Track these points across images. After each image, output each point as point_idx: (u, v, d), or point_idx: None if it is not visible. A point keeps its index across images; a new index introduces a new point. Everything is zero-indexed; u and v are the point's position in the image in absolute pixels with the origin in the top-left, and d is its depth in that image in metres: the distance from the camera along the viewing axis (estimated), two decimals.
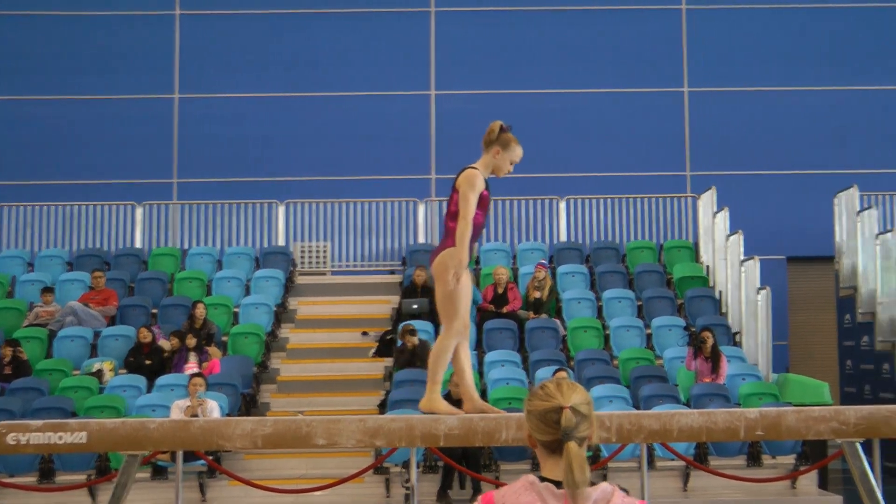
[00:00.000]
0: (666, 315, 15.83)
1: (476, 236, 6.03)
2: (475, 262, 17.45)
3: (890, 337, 15.80)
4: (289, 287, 17.35)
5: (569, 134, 20.40)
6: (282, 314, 16.70)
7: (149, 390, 13.80)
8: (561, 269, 17.10)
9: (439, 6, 20.97)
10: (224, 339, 15.55)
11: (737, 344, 15.48)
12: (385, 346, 15.57)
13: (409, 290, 16.27)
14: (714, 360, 13.94)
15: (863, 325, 16.67)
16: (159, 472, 12.63)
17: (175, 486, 11.70)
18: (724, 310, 16.30)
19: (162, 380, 13.86)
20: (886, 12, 20.93)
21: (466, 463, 12.35)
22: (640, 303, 16.33)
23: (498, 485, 11.67)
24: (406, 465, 12.14)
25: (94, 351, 15.15)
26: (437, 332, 5.57)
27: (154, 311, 16.16)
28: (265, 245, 18.45)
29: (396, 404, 13.10)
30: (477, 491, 12.34)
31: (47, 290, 16.05)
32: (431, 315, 15.10)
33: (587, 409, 3.23)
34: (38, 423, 5.84)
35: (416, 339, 14.43)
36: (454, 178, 5.99)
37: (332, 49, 20.81)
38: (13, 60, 20.64)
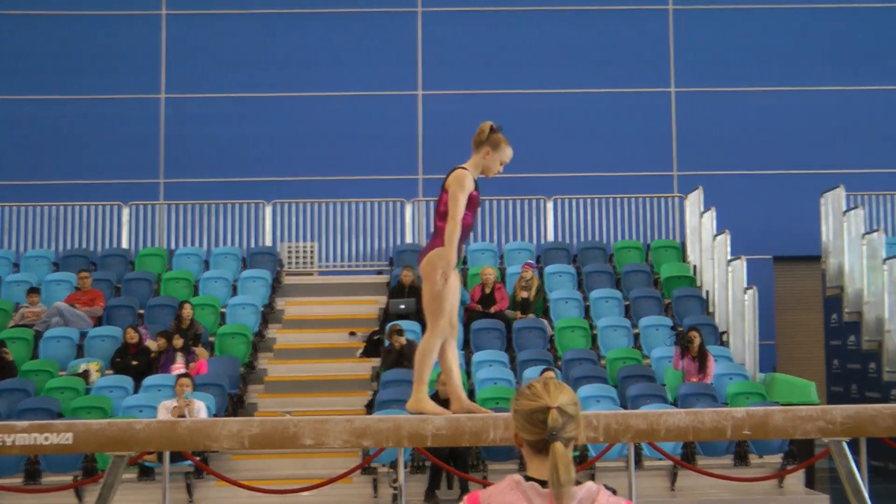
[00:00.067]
0: (653, 315, 15.85)
1: (465, 237, 6.03)
2: (463, 263, 17.45)
3: (876, 336, 15.84)
4: (276, 287, 17.33)
5: (556, 134, 20.42)
6: (269, 314, 16.68)
7: (135, 391, 13.76)
8: (548, 269, 17.11)
9: (426, 6, 20.96)
10: (211, 339, 15.52)
11: (724, 343, 15.50)
12: (372, 347, 15.56)
13: (397, 290, 16.26)
14: (701, 359, 13.96)
15: (849, 324, 16.72)
16: (146, 473, 12.60)
17: (162, 487, 11.67)
18: (711, 309, 16.32)
19: (149, 380, 13.82)
20: (875, 12, 20.99)
21: (454, 463, 12.34)
22: (627, 303, 16.35)
23: (485, 484, 11.67)
24: (394, 465, 12.14)
25: (80, 352, 15.10)
26: (424, 333, 5.56)
27: (141, 311, 16.12)
28: (252, 245, 18.42)
29: (384, 404, 13.09)
30: (465, 491, 12.34)
31: (33, 290, 15.99)
32: (419, 315, 15.09)
33: (574, 410, 3.23)
34: (24, 424, 5.82)
35: (403, 340, 14.42)
36: (443, 178, 5.99)
37: (319, 49, 20.78)
38: None
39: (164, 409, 12.47)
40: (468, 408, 6.06)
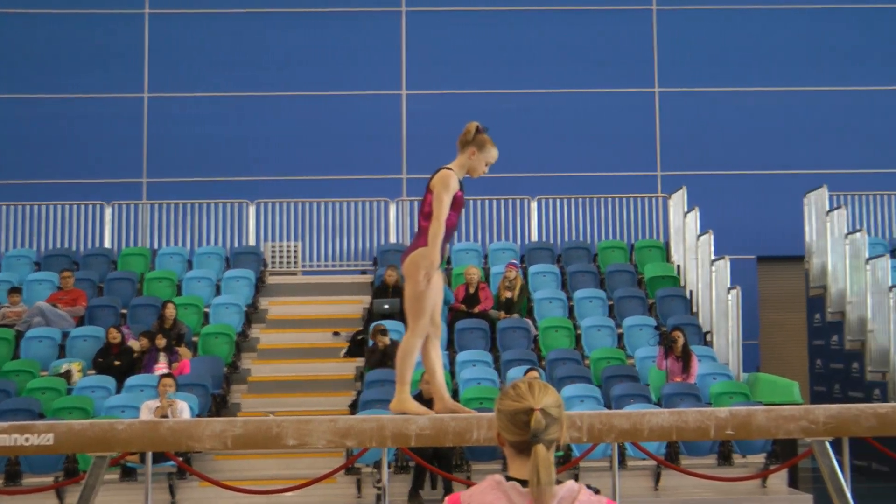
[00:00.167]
0: (637, 315, 15.86)
1: (449, 237, 6.03)
2: (447, 262, 17.42)
3: (859, 336, 15.89)
4: (259, 287, 17.29)
5: (540, 134, 20.43)
6: (252, 314, 16.64)
7: (118, 391, 13.71)
8: (532, 268, 17.10)
9: (410, 6, 20.95)
10: (194, 339, 15.46)
11: (707, 343, 15.53)
12: (356, 347, 15.53)
13: (381, 290, 16.24)
14: (685, 359, 13.98)
15: (832, 324, 16.77)
16: (128, 474, 12.55)
17: (145, 488, 11.61)
18: (694, 309, 16.35)
19: (131, 380, 13.77)
20: (858, 13, 21.06)
21: (438, 463, 12.33)
22: (611, 302, 16.36)
23: (469, 485, 11.66)
24: (377, 465, 12.12)
25: (62, 352, 15.03)
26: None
27: (124, 311, 16.05)
28: (236, 245, 18.38)
29: (368, 404, 13.07)
30: (448, 491, 12.32)
31: (14, 290, 15.91)
32: (403, 315, 15.05)
33: (557, 412, 3.22)
34: (4, 424, 5.79)
35: (387, 339, 14.40)
36: (428, 178, 5.99)
37: (303, 48, 20.75)
38: None
39: (147, 410, 12.42)
40: (452, 408, 6.06)
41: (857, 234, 16.07)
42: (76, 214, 18.46)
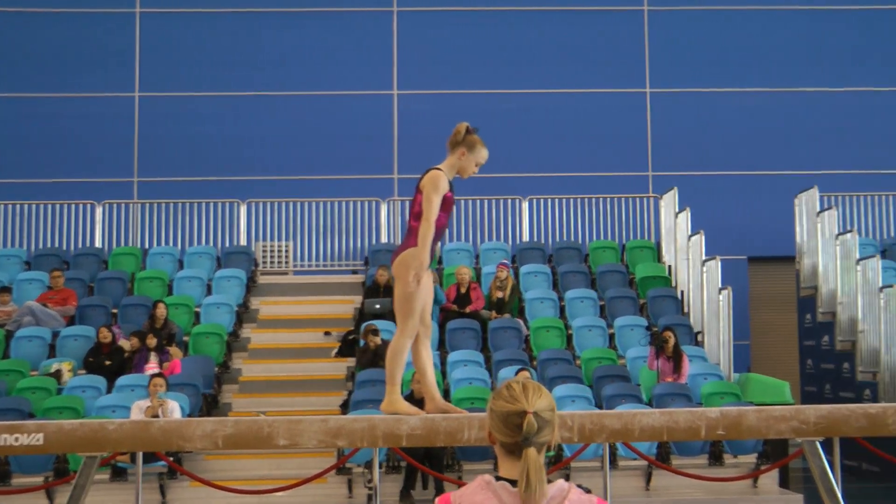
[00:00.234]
0: (628, 315, 15.87)
1: (439, 237, 6.05)
2: (438, 262, 17.44)
3: (850, 336, 15.92)
4: (251, 287, 17.26)
5: (531, 134, 20.44)
6: (243, 314, 16.62)
7: (108, 391, 13.68)
8: (523, 268, 17.11)
9: (402, 6, 20.94)
10: (185, 339, 15.44)
11: (699, 343, 15.54)
12: (347, 347, 15.52)
13: (372, 289, 16.23)
14: (676, 359, 13.99)
15: (823, 324, 16.79)
16: (119, 474, 12.52)
17: (135, 488, 11.56)
18: (685, 310, 16.36)
19: (122, 380, 13.74)
20: (849, 14, 21.09)
21: (429, 463, 12.33)
22: (602, 303, 16.37)
23: (460, 485, 11.66)
24: (369, 465, 12.10)
25: (52, 351, 15.00)
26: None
27: (114, 311, 16.03)
28: (227, 245, 18.35)
29: (359, 404, 13.06)
30: (440, 491, 12.32)
31: (4, 289, 15.88)
32: (394, 315, 15.05)
33: (550, 416, 3.22)
34: None
35: (378, 339, 14.39)
36: (419, 178, 6.00)
37: (294, 48, 20.73)
38: None
39: (138, 410, 12.40)
40: (443, 408, 6.06)
41: (848, 235, 16.09)
42: (67, 214, 18.42)
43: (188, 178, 19.93)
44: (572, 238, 18.52)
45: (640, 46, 20.97)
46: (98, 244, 18.14)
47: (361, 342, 14.79)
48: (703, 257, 15.85)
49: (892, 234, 18.43)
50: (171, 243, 18.32)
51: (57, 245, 18.15)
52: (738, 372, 15.33)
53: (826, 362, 16.76)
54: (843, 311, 16.16)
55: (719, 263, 15.43)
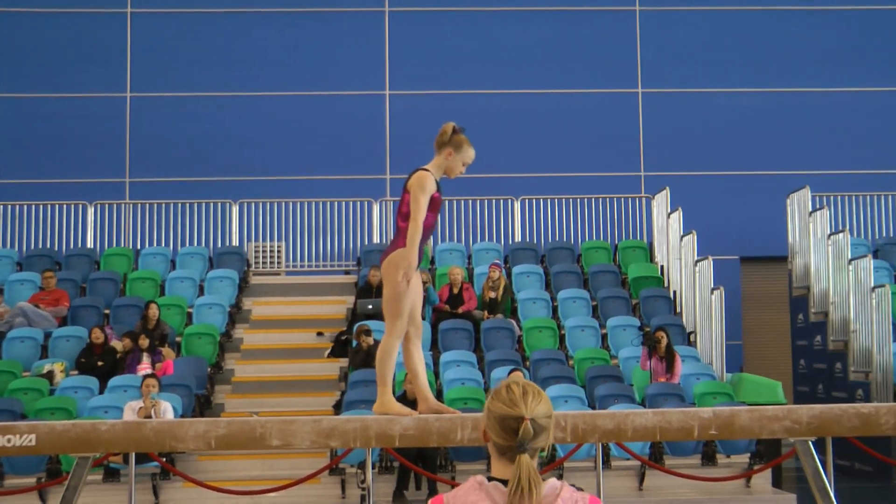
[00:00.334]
0: (621, 315, 15.88)
1: (427, 237, 6.07)
2: (430, 263, 17.45)
3: (842, 336, 15.94)
4: (243, 287, 17.25)
5: (524, 134, 20.45)
6: (236, 314, 16.60)
7: (101, 392, 13.65)
8: (516, 269, 17.11)
9: (393, 6, 20.93)
10: (178, 339, 15.43)
11: (691, 344, 15.55)
12: (340, 347, 15.51)
13: (364, 290, 16.22)
14: (668, 359, 14.00)
15: (815, 324, 16.82)
16: (112, 475, 12.50)
17: (128, 489, 11.57)
18: (678, 310, 16.37)
19: (114, 381, 13.71)
20: (839, 15, 21.12)
21: (422, 463, 12.32)
22: (594, 303, 16.37)
23: (453, 485, 11.66)
24: (362, 465, 12.10)
25: (44, 352, 14.97)
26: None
27: (106, 311, 16.00)
28: (219, 245, 18.32)
29: (352, 405, 13.05)
30: (433, 492, 12.32)
31: None
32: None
33: (547, 422, 3.20)
34: None
35: (371, 340, 14.38)
36: (406, 178, 6.02)
37: (286, 48, 20.72)
38: None
39: (130, 410, 12.38)
40: (435, 408, 6.06)
41: (840, 235, 16.11)
42: (58, 214, 18.38)
43: (180, 179, 19.92)
44: (565, 238, 18.52)
45: (633, 47, 20.99)
46: (90, 245, 18.11)
47: (354, 342, 14.78)
48: (696, 257, 15.86)
49: (884, 233, 18.46)
50: (163, 244, 18.29)
51: (49, 246, 18.11)
52: (731, 372, 15.34)
53: (818, 362, 16.78)
54: (835, 311, 16.18)
55: (712, 263, 15.45)
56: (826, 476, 6.21)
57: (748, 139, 20.59)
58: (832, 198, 18.15)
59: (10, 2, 20.53)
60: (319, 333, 16.20)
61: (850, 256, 15.81)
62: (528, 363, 14.67)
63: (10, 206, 18.36)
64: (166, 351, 14.59)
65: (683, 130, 20.57)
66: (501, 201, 18.70)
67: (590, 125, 20.57)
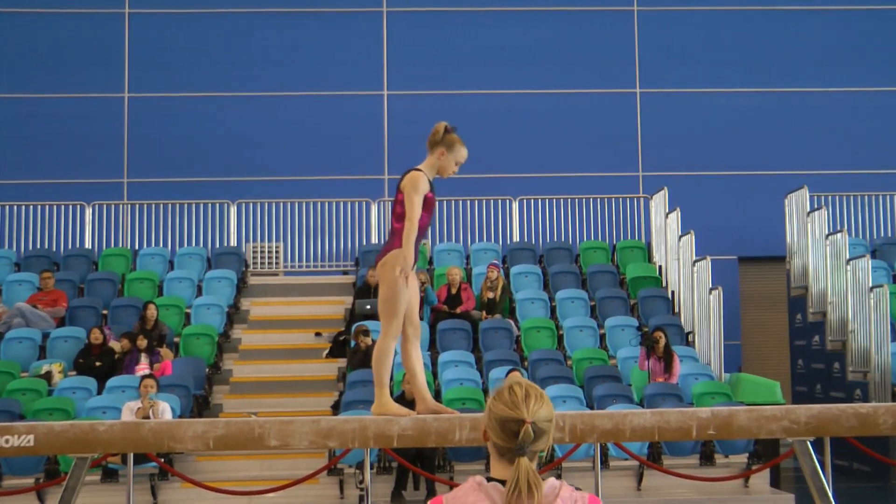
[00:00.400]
0: (619, 315, 15.87)
1: (420, 237, 6.07)
2: (428, 263, 17.45)
3: (840, 336, 15.94)
4: (241, 288, 17.24)
5: (522, 134, 20.44)
6: (234, 315, 16.59)
7: (99, 392, 13.65)
8: (514, 269, 17.11)
9: (391, 6, 20.93)
10: (176, 340, 15.42)
11: (689, 344, 15.55)
12: (338, 347, 15.51)
13: (363, 290, 16.21)
14: (667, 359, 14.00)
15: (814, 324, 16.82)
16: (110, 475, 12.49)
17: (126, 489, 11.54)
18: (676, 310, 16.37)
19: (113, 381, 13.71)
20: (837, 14, 21.12)
21: (421, 464, 12.32)
22: (593, 303, 16.37)
23: (451, 485, 11.66)
24: (360, 466, 12.10)
25: (42, 353, 14.96)
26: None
27: (104, 312, 15.99)
28: (217, 245, 18.31)
29: (350, 405, 13.05)
30: (431, 492, 12.33)
31: None
32: None
33: (548, 426, 3.19)
34: None
35: (369, 340, 14.37)
36: (399, 178, 6.04)
37: (284, 48, 20.71)
38: None
39: (129, 411, 12.38)
40: (433, 408, 6.06)
41: (838, 235, 16.12)
42: (56, 215, 18.37)
43: (178, 179, 19.90)
44: (563, 238, 18.52)
45: (630, 47, 20.99)
46: (88, 245, 18.10)
47: (352, 343, 14.79)
48: (694, 257, 15.86)
49: (883, 233, 18.47)
50: (161, 244, 18.28)
51: (47, 246, 18.10)
52: (729, 372, 15.34)
53: (816, 362, 16.79)
54: (833, 311, 16.19)
55: (710, 263, 15.45)
56: (824, 476, 6.21)
57: (746, 139, 20.59)
58: (830, 198, 18.16)
59: (8, 2, 20.52)
60: (318, 334, 16.20)
61: (848, 256, 15.82)
62: (526, 363, 14.67)
63: (7, 207, 18.35)
64: (164, 351, 14.58)
65: (681, 130, 20.57)
66: (499, 201, 18.70)
67: (588, 125, 20.57)
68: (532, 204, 18.68)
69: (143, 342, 14.27)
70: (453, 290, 15.99)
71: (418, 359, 6.17)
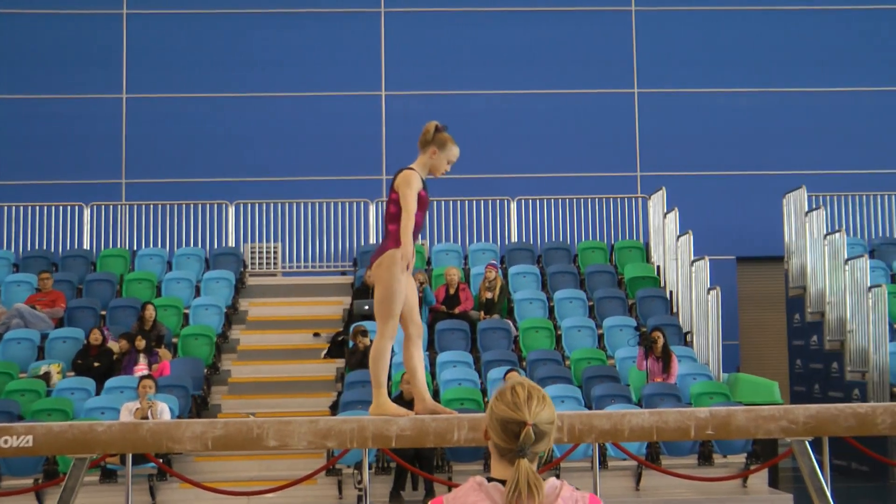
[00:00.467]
0: (617, 315, 15.88)
1: (415, 236, 6.06)
2: (427, 263, 17.45)
3: (838, 336, 15.95)
4: (239, 288, 17.24)
5: (520, 135, 20.45)
6: (232, 315, 16.60)
7: (98, 393, 13.65)
8: (512, 269, 17.11)
9: (389, 7, 20.93)
10: (174, 340, 15.42)
11: (688, 344, 15.56)
12: (337, 348, 15.51)
13: (361, 290, 16.21)
14: (665, 359, 14.00)
15: (812, 324, 16.82)
16: (108, 476, 12.49)
17: (125, 490, 11.53)
18: (674, 310, 16.38)
19: (111, 382, 13.71)
20: (835, 14, 21.14)
21: (419, 464, 12.32)
22: (591, 303, 16.37)
23: (450, 486, 11.67)
24: (358, 466, 12.10)
25: (41, 353, 14.96)
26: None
27: (103, 312, 15.99)
28: (215, 246, 18.30)
29: (348, 405, 13.05)
30: (429, 492, 12.33)
31: None
32: None
33: (549, 428, 3.19)
34: None
35: (367, 340, 14.37)
36: (392, 178, 6.05)
37: (282, 49, 20.71)
38: None
39: (127, 411, 12.38)
40: (432, 408, 6.06)
41: (836, 235, 16.13)
42: (55, 216, 18.36)
43: (176, 180, 19.91)
44: (561, 239, 18.52)
45: (628, 47, 21.00)
46: (86, 246, 18.09)
47: (350, 343, 14.79)
48: (692, 257, 15.86)
49: (881, 233, 18.48)
50: (159, 245, 18.27)
51: (45, 247, 18.09)
52: (727, 372, 15.34)
53: (815, 362, 16.80)
54: (831, 311, 16.19)
55: (708, 263, 15.45)
56: (823, 476, 6.21)
57: (744, 139, 20.60)
58: (829, 198, 18.17)
59: (6, 2, 20.51)
60: (316, 334, 16.20)
61: (846, 256, 15.83)
62: (524, 363, 14.67)
63: (6, 208, 18.34)
64: (163, 352, 14.58)
65: (679, 130, 20.58)
66: (498, 202, 18.70)
67: (586, 125, 20.58)
68: (530, 204, 18.68)
69: (141, 343, 14.27)
70: (451, 291, 15.99)
71: (419, 359, 6.17)
